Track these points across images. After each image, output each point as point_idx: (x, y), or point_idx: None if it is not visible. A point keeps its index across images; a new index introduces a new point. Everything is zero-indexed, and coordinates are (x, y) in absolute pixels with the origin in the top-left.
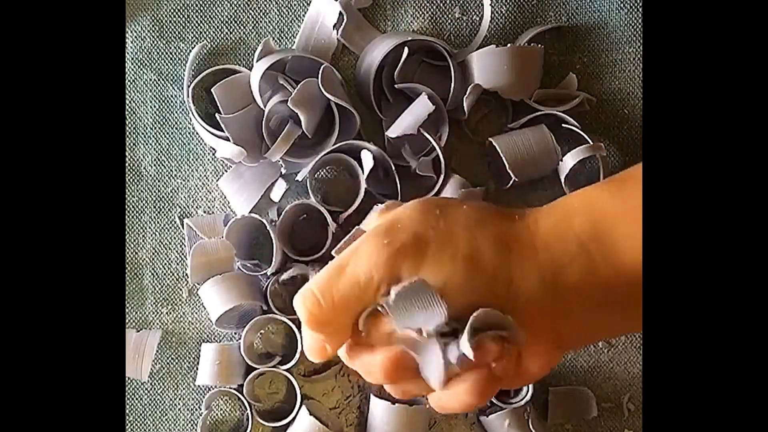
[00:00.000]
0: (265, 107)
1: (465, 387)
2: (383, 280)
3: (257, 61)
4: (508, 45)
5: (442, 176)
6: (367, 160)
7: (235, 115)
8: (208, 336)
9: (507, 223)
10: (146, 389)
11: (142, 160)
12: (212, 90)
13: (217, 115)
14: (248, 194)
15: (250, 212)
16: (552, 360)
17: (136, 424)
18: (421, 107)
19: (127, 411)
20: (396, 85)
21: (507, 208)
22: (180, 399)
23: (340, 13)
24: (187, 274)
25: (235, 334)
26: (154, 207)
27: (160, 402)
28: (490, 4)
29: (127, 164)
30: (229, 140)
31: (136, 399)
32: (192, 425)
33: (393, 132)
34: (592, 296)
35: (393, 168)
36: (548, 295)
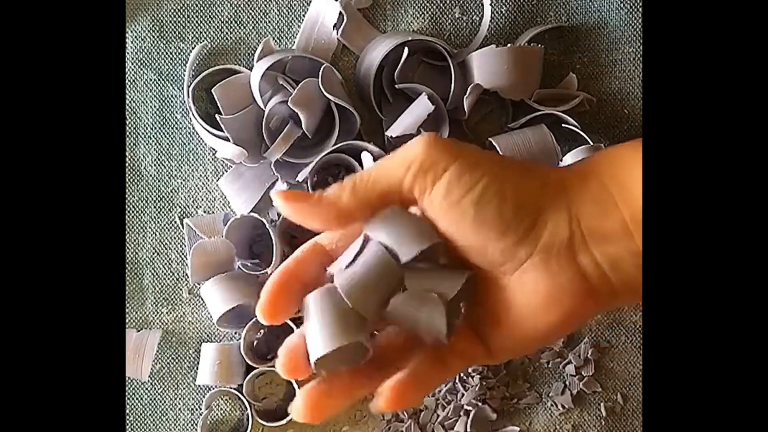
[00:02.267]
0: (265, 108)
1: None
2: (415, 172)
3: (257, 61)
4: (508, 45)
5: None
6: (368, 161)
7: (236, 115)
8: (208, 336)
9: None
10: (146, 389)
11: (142, 159)
12: (212, 90)
13: (217, 115)
14: (248, 194)
15: (250, 212)
16: (585, 315)
17: (136, 424)
18: (421, 107)
19: (127, 411)
20: (396, 86)
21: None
22: (180, 399)
23: (340, 13)
24: (187, 274)
25: (236, 333)
26: (155, 207)
27: (160, 402)
28: (490, 4)
29: (127, 164)
30: (229, 140)
31: (136, 399)
32: (192, 425)
33: (393, 132)
34: (617, 245)
35: None
36: (573, 238)
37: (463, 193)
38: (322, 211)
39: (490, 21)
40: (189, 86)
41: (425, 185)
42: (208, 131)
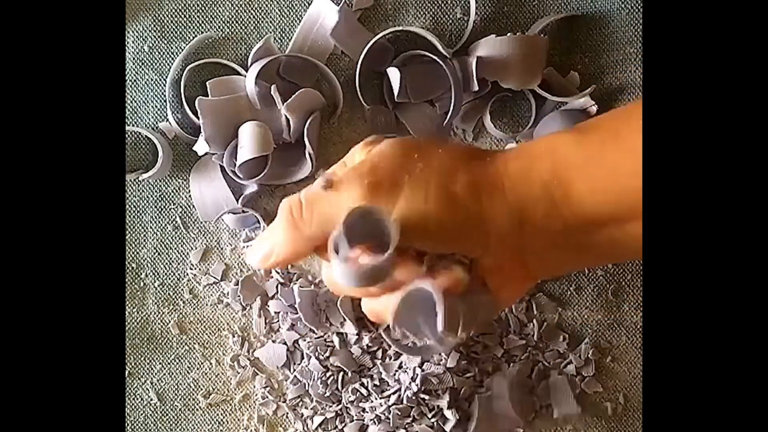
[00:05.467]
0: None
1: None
2: None
3: (253, 56)
4: (508, 34)
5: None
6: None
7: (217, 99)
8: (210, 337)
9: (479, 165)
10: (147, 389)
11: (143, 159)
12: (207, 83)
13: (198, 98)
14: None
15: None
16: (521, 289)
17: (137, 425)
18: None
19: (127, 411)
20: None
21: (481, 150)
22: (180, 399)
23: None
24: (188, 274)
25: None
26: (156, 206)
27: (161, 402)
28: (487, 4)
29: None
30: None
31: (137, 399)
32: (194, 425)
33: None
34: (554, 236)
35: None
36: (515, 232)
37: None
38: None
39: (493, 21)
40: (180, 70)
41: None
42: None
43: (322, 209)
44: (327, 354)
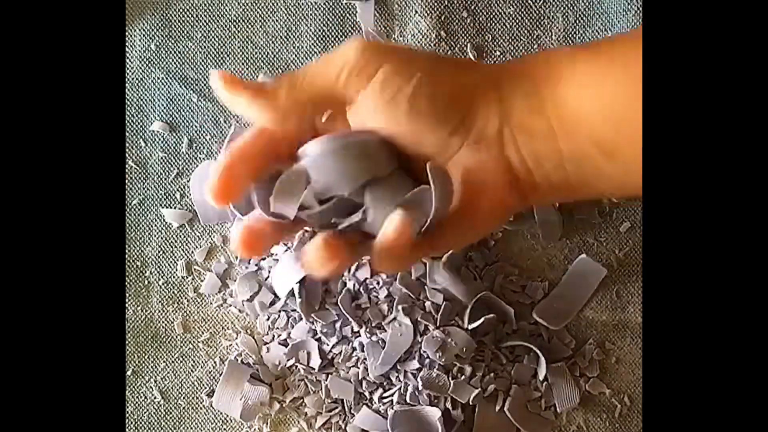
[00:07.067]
0: None
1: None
2: (355, 66)
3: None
4: None
5: None
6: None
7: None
8: (213, 335)
9: (471, 69)
10: (149, 387)
11: (148, 158)
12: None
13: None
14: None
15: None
16: (503, 209)
17: (141, 423)
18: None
19: (130, 410)
20: None
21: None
22: (183, 398)
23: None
24: (192, 273)
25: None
26: (161, 205)
27: (164, 401)
28: (493, 5)
29: (133, 162)
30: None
31: (141, 397)
32: (198, 424)
33: None
34: (538, 141)
35: None
36: (497, 131)
37: (398, 89)
38: (260, 103)
39: (499, 22)
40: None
41: (360, 83)
42: None
43: (306, 68)
44: (330, 353)
